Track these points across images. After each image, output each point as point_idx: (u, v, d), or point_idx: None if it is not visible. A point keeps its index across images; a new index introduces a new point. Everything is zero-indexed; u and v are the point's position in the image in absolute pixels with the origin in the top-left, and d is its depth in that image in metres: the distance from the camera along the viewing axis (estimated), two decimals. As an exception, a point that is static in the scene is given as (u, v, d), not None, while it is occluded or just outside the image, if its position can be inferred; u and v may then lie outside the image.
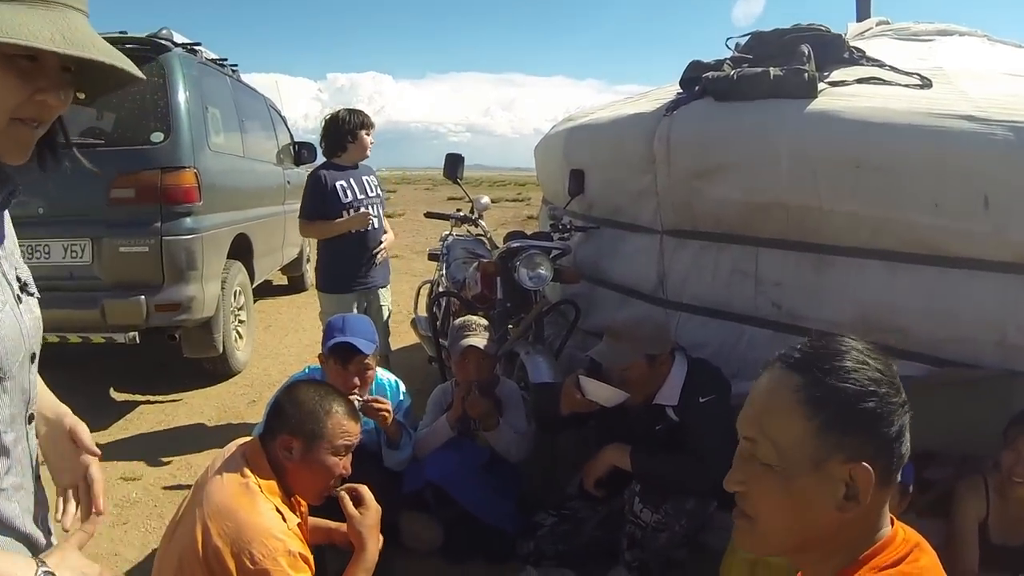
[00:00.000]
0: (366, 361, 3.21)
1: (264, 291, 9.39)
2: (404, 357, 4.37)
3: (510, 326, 4.10)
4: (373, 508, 2.32)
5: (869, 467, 1.04)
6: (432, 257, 5.85)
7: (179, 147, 5.01)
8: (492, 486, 3.44)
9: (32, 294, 1.38)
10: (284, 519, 2.11)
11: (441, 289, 5.29)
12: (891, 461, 1.08)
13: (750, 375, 3.10)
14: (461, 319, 3.62)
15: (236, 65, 6.77)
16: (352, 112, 4.55)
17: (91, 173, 4.77)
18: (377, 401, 3.17)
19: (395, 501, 3.18)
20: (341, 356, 3.15)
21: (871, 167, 2.93)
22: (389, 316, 4.79)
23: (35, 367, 1.34)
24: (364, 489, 2.35)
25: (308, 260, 9.20)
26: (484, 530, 3.40)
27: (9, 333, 1.21)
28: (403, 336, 6.26)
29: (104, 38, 1.14)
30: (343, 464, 2.30)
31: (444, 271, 5.47)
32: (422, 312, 5.80)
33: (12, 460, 1.25)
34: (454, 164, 4.51)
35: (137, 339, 4.90)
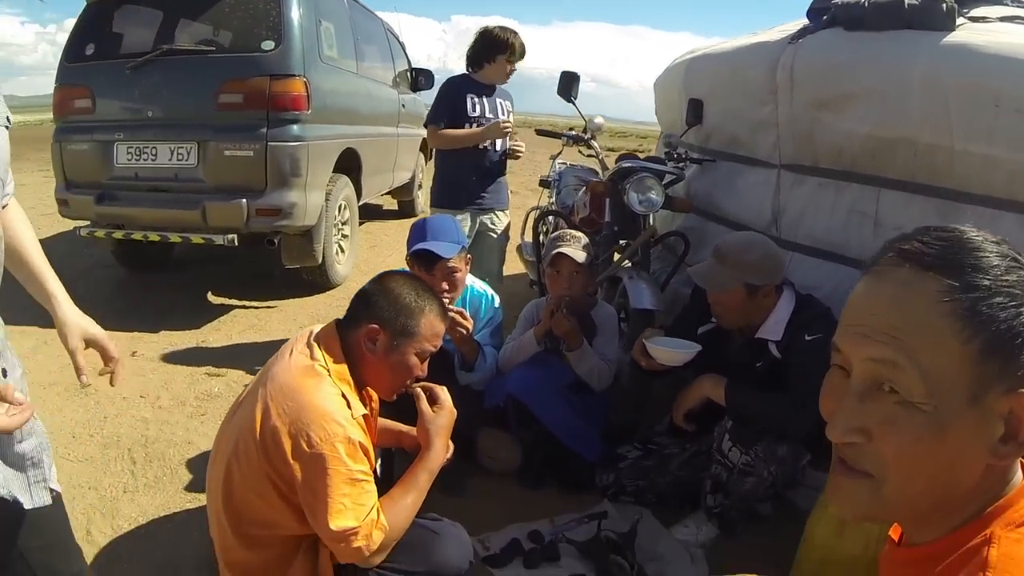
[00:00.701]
0: (450, 264, 3.26)
1: (373, 214, 9.81)
2: (509, 284, 4.50)
3: (615, 251, 4.16)
4: (447, 410, 2.39)
5: None
6: (543, 183, 5.96)
7: (289, 55, 5.27)
8: (576, 409, 3.47)
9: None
10: (349, 406, 2.16)
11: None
12: None
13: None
14: (559, 231, 3.65)
15: (354, -15, 6.99)
16: (504, 31, 4.56)
17: (200, 79, 5.19)
18: (461, 315, 3.23)
19: (474, 416, 3.30)
20: (423, 263, 3.23)
21: (1012, 107, 2.80)
22: (506, 241, 4.81)
23: None
24: (441, 389, 2.41)
25: (420, 187, 9.50)
26: (564, 456, 3.45)
27: None
28: (511, 263, 6.39)
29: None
30: (424, 366, 2.37)
31: (554, 197, 5.63)
32: (528, 238, 5.93)
33: None
34: (568, 83, 4.57)
35: (236, 241, 5.23)
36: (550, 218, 5.32)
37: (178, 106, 5.33)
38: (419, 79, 8.46)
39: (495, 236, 4.66)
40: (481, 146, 4.53)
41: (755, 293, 2.90)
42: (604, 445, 3.47)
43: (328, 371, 2.19)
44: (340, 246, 6.32)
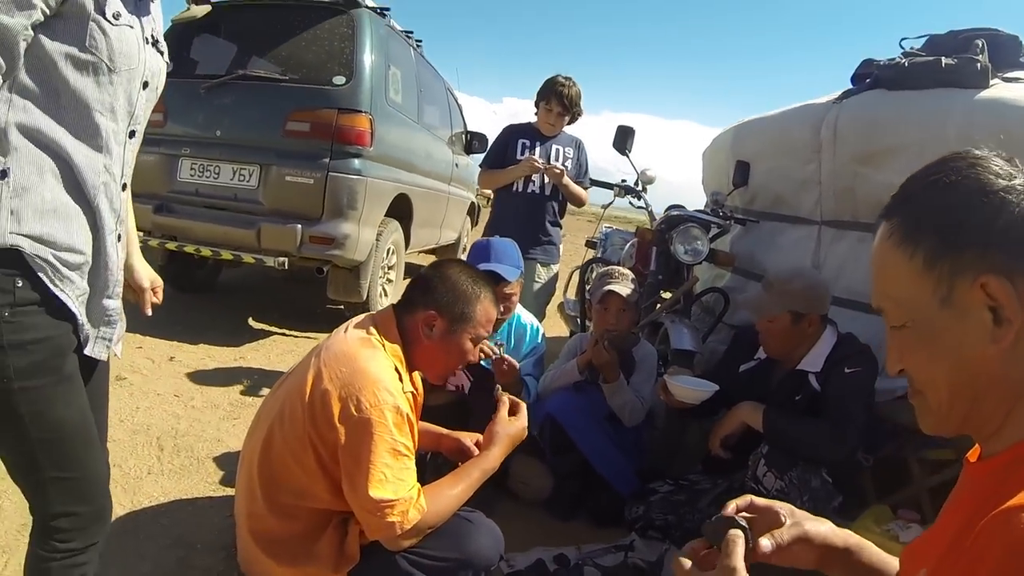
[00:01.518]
0: (508, 290, 3.25)
1: (414, 271, 9.77)
2: (549, 345, 4.44)
3: (658, 299, 4.14)
4: (522, 424, 2.38)
5: (998, 278, 0.91)
6: (589, 244, 5.96)
7: (359, 92, 5.35)
8: (613, 440, 3.40)
9: (160, 52, 1.89)
10: (400, 380, 2.14)
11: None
12: None
13: (897, 374, 3.04)
14: (607, 268, 3.65)
15: (421, 40, 7.18)
16: (555, 79, 4.50)
17: (270, 105, 5.28)
18: (507, 363, 3.17)
19: None
20: None
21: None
22: (547, 297, 4.76)
23: (146, 93, 1.79)
24: (523, 405, 2.42)
25: (464, 249, 9.49)
26: (596, 488, 3.36)
27: (128, 45, 1.63)
28: (552, 326, 6.36)
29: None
30: (476, 350, 2.36)
31: (600, 254, 5.60)
32: (572, 296, 5.89)
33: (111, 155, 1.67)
34: (624, 136, 4.58)
35: (286, 265, 5.22)
36: (596, 267, 5.29)
37: (246, 129, 5.41)
38: (473, 142, 8.53)
39: (536, 286, 4.58)
40: (517, 188, 4.52)
41: (800, 321, 2.91)
42: (638, 481, 3.38)
43: (384, 346, 2.18)
44: (384, 289, 6.32)
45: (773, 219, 4.36)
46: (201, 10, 5.64)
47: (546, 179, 4.48)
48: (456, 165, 8.19)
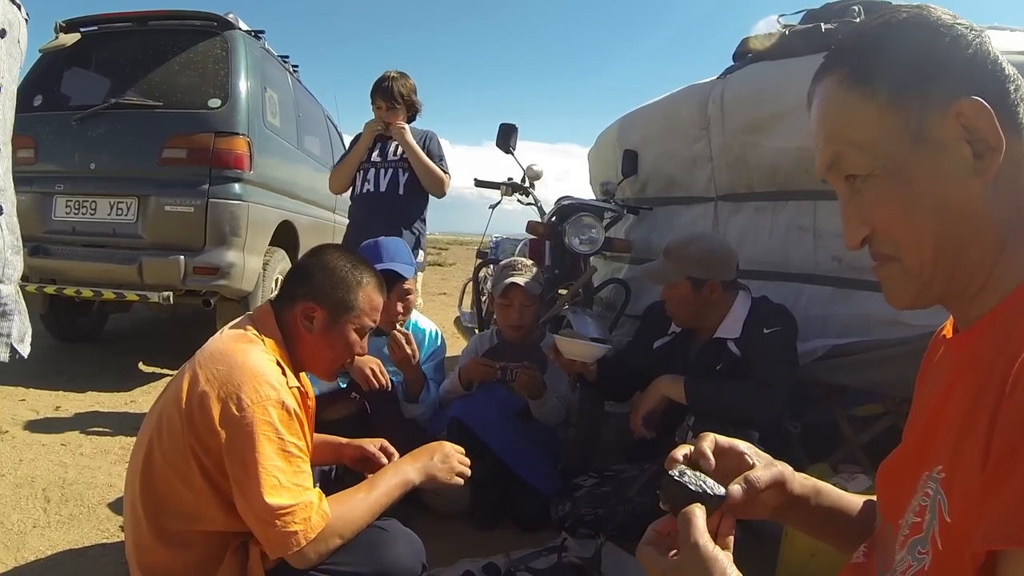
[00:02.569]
0: (406, 286, 3.03)
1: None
2: (448, 364, 4.14)
3: (559, 292, 3.90)
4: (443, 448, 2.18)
5: (975, 102, 0.81)
6: (480, 255, 5.72)
7: (235, 114, 5.04)
8: (527, 438, 3.15)
9: (16, 4, 1.60)
10: (284, 375, 1.88)
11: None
12: (1003, 87, 0.83)
13: (812, 334, 2.94)
14: (507, 260, 3.43)
15: (297, 65, 6.90)
16: (385, 79, 4.15)
17: (145, 133, 4.92)
18: (407, 338, 2.97)
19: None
20: None
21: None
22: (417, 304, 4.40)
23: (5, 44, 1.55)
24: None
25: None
26: (516, 491, 3.10)
27: None
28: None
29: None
30: (364, 342, 2.12)
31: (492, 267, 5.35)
32: (467, 308, 5.67)
33: None
34: (507, 135, 4.32)
35: (171, 299, 4.84)
36: (487, 270, 5.05)
37: (121, 160, 5.00)
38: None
39: None
40: (357, 189, 4.22)
41: (701, 288, 2.76)
42: (559, 479, 3.13)
43: (262, 341, 1.90)
44: (275, 321, 5.90)
45: (667, 203, 4.22)
46: (70, 38, 5.28)
47: (401, 179, 4.11)
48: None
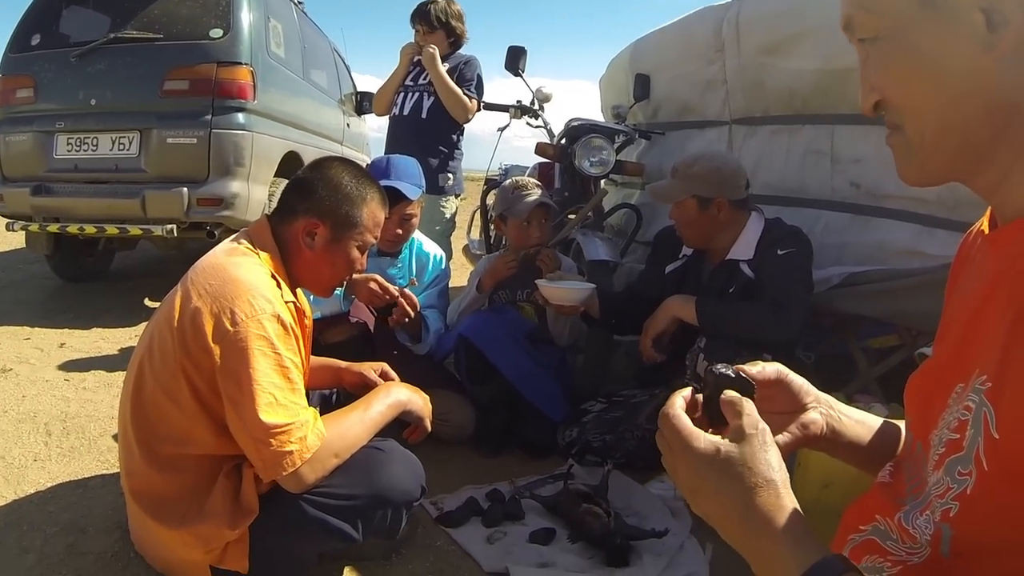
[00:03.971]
0: (409, 209, 2.93)
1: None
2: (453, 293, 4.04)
3: (568, 215, 3.82)
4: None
5: None
6: (488, 182, 5.62)
7: (237, 44, 4.93)
8: (536, 361, 3.06)
9: None
10: (280, 288, 1.82)
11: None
12: None
13: (828, 262, 2.83)
14: (511, 180, 3.30)
15: (303, 0, 6.71)
16: (425, 3, 4.14)
17: (146, 66, 4.82)
18: (409, 302, 2.81)
19: (422, 376, 2.87)
20: None
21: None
22: (448, 233, 4.32)
23: None
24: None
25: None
26: (523, 416, 3.05)
27: None
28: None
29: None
30: (364, 259, 2.06)
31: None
32: (476, 236, 5.62)
33: None
34: (516, 57, 4.21)
35: (175, 232, 4.79)
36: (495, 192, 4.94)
37: (122, 94, 4.92)
38: (363, 103, 8.11)
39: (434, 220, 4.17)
40: (397, 111, 4.20)
41: (708, 207, 2.67)
42: (568, 405, 3.06)
43: (258, 255, 1.84)
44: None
45: (680, 127, 4.10)
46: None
47: (425, 103, 4.10)
48: (348, 126, 7.79)
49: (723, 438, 0.83)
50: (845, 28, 0.87)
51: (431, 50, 4.00)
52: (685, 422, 0.86)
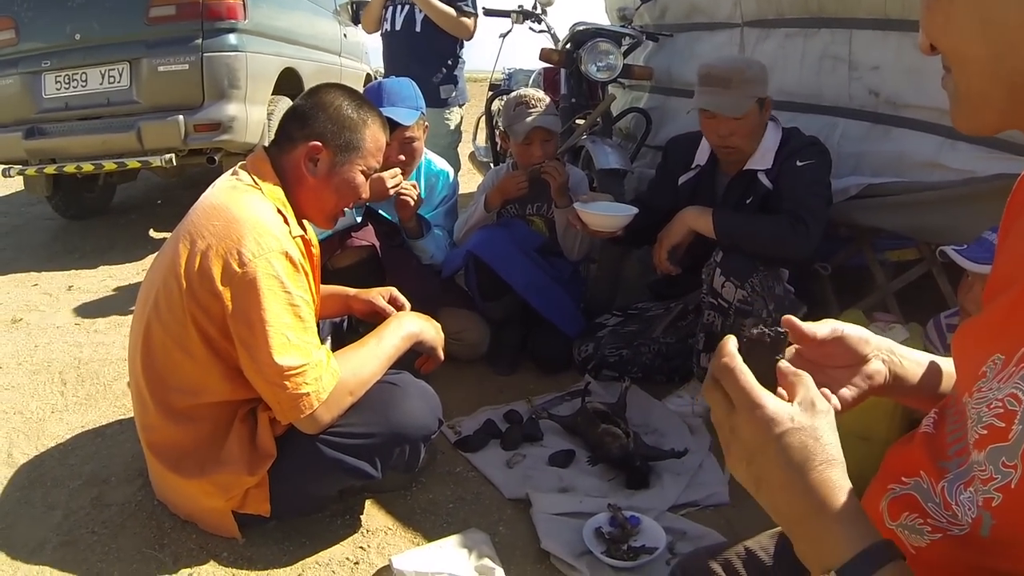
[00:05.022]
0: (409, 133, 2.84)
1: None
2: (462, 200, 3.96)
3: (576, 121, 3.70)
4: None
5: None
6: (493, 88, 5.49)
7: (224, -40, 4.74)
8: (548, 275, 3.02)
9: None
10: (287, 223, 1.79)
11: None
12: None
13: (846, 172, 2.75)
14: (515, 93, 3.19)
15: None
16: None
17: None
18: (411, 186, 2.83)
19: (433, 294, 2.87)
20: None
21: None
22: (454, 143, 4.31)
23: None
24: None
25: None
26: (537, 332, 3.04)
27: None
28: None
29: None
30: (367, 185, 2.02)
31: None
32: (481, 142, 5.56)
33: None
34: None
35: (174, 161, 4.71)
36: (500, 100, 4.83)
37: (107, 25, 4.75)
38: (359, 11, 7.84)
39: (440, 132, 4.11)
40: (387, 27, 4.13)
41: (763, 108, 2.59)
42: (583, 319, 3.04)
43: (261, 190, 1.80)
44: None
45: (688, 30, 3.95)
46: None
47: (417, 15, 3.99)
48: (345, 36, 7.59)
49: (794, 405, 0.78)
50: None
51: None
52: (751, 379, 0.78)
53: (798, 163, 2.51)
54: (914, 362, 1.01)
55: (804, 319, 2.40)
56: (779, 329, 0.85)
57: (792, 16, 3.23)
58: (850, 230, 2.93)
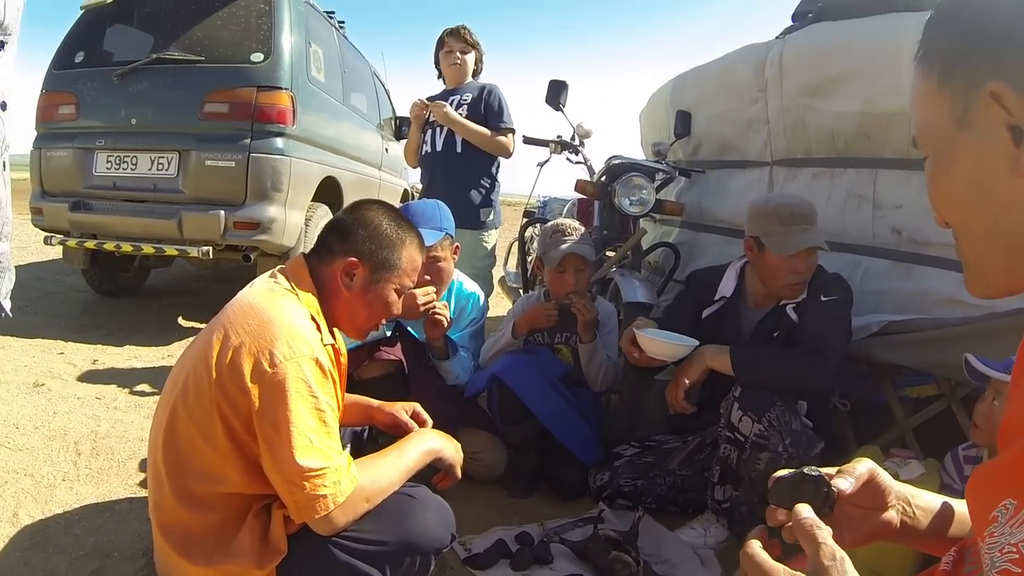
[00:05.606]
0: (433, 253, 2.89)
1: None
2: (490, 324, 4.01)
3: (607, 253, 3.80)
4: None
5: (1012, 85, 0.74)
6: (527, 215, 5.61)
7: (278, 68, 4.98)
8: (571, 403, 3.04)
9: None
10: (319, 331, 1.82)
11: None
12: None
13: (868, 309, 2.80)
14: (553, 223, 3.28)
15: (343, 21, 6.80)
16: (446, 30, 4.23)
17: (186, 88, 4.90)
18: (442, 306, 2.88)
19: (454, 413, 2.88)
20: None
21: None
22: (488, 266, 4.32)
23: None
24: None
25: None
26: (555, 458, 3.03)
27: None
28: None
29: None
30: (400, 303, 2.06)
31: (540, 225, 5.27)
32: (513, 268, 5.62)
33: None
34: (557, 91, 4.16)
35: (211, 254, 4.83)
36: (534, 228, 4.95)
37: (162, 115, 4.99)
38: (403, 128, 8.09)
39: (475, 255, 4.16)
40: (426, 150, 4.22)
41: None
42: (601, 448, 3.04)
43: (297, 295, 1.84)
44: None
45: (721, 167, 4.08)
46: (111, -5, 5.28)
47: (457, 138, 4.10)
48: (386, 151, 7.83)
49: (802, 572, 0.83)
50: (916, 146, 0.90)
51: (443, 109, 4.02)
52: (765, 557, 0.87)
53: (823, 298, 2.58)
54: (925, 511, 1.04)
55: (820, 455, 2.39)
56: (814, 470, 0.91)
57: (820, 156, 3.34)
58: (870, 367, 2.94)
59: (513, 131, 4.20)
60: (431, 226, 2.91)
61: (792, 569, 0.83)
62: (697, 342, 2.61)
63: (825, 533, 0.85)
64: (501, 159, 4.26)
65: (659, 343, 2.60)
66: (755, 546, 0.88)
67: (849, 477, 0.98)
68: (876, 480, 1.01)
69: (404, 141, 4.74)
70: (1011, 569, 0.73)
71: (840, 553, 0.83)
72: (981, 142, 0.78)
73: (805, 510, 0.90)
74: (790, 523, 0.92)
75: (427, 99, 4.19)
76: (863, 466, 1.01)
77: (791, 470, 0.94)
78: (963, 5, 0.82)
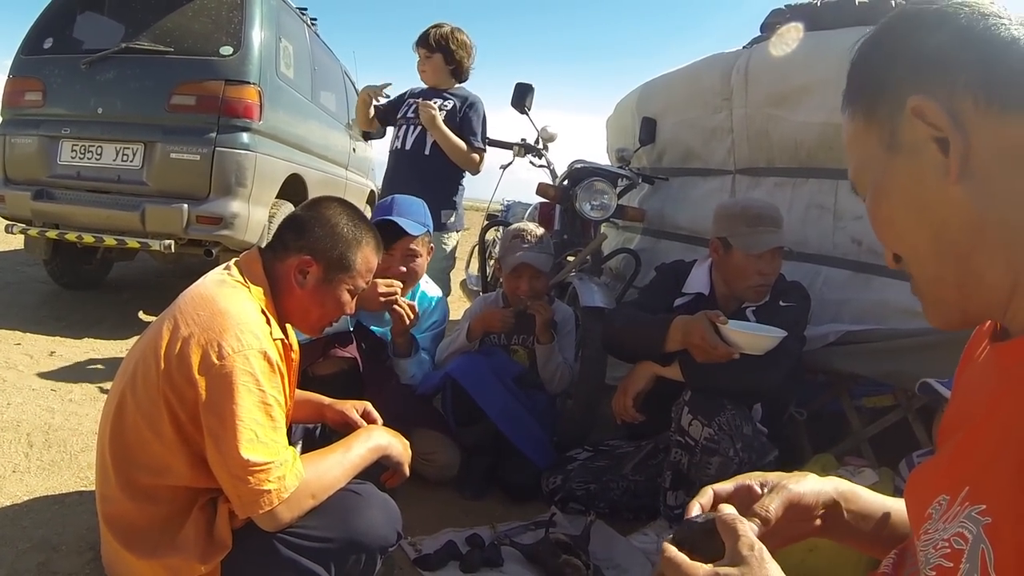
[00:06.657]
0: (413, 246, 2.90)
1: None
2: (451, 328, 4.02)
3: (567, 257, 3.79)
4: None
5: (926, 96, 0.75)
6: (490, 218, 5.60)
7: (247, 63, 4.93)
8: (523, 405, 3.04)
9: None
10: (268, 324, 1.81)
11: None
12: (987, 65, 0.75)
13: (827, 318, 2.83)
14: (515, 226, 3.29)
15: (315, 19, 6.75)
16: (430, 27, 4.13)
17: (154, 79, 4.84)
18: (412, 308, 2.87)
19: (408, 414, 2.84)
20: (384, 238, 2.85)
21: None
22: (450, 266, 4.32)
23: None
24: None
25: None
26: (507, 460, 3.03)
27: None
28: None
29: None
30: (353, 303, 2.05)
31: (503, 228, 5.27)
32: (474, 271, 5.60)
33: None
34: (523, 94, 4.14)
35: (173, 248, 4.78)
36: (496, 230, 4.95)
37: (129, 105, 4.92)
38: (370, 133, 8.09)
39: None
40: (397, 146, 4.15)
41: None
42: (554, 452, 3.04)
43: (248, 289, 1.82)
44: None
45: (683, 174, 4.10)
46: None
47: (429, 140, 4.05)
48: (354, 151, 7.79)
49: (720, 565, 0.83)
50: (855, 191, 0.91)
51: (431, 111, 3.96)
52: (682, 557, 0.85)
53: (781, 303, 2.62)
54: (862, 514, 1.03)
55: (775, 462, 2.40)
56: (709, 516, 0.91)
57: (782, 165, 3.36)
58: (828, 376, 2.97)
59: (484, 151, 4.17)
60: (416, 219, 2.93)
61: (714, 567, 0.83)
62: (785, 333, 2.47)
63: (745, 527, 0.85)
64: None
65: (750, 336, 2.46)
66: (672, 549, 0.88)
67: (755, 520, 0.95)
68: (799, 503, 1.00)
69: (372, 142, 4.69)
70: (944, 564, 0.73)
71: (759, 544, 0.83)
72: (912, 160, 0.79)
73: (727, 506, 0.90)
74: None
75: (418, 95, 4.14)
76: (775, 500, 0.98)
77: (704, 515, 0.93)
78: (875, 46, 0.85)
